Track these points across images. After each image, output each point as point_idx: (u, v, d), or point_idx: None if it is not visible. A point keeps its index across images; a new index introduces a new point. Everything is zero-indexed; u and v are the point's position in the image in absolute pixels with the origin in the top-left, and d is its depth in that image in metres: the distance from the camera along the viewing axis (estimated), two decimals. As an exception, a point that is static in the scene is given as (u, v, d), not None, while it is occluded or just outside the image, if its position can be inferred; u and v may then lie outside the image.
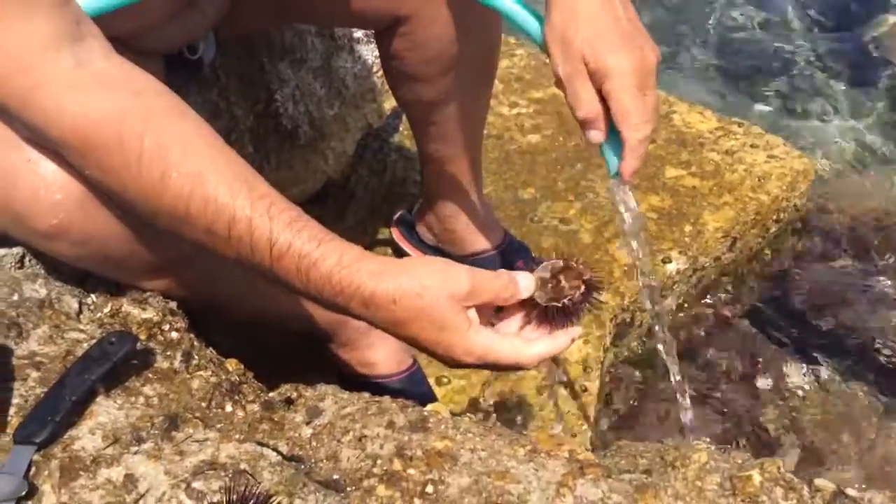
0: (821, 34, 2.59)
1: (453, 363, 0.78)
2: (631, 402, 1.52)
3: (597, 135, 0.88)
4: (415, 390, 1.28)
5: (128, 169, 0.73)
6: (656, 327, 1.11)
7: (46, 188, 0.81)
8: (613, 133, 0.88)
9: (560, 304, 0.80)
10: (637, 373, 1.56)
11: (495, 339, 0.77)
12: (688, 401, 1.21)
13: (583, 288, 0.81)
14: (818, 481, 0.77)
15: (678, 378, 1.18)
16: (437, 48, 1.16)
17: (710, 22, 2.66)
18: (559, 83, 0.89)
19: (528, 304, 0.81)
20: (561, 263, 0.82)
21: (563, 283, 0.81)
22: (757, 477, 0.74)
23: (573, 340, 0.80)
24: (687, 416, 1.22)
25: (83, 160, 0.76)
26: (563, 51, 0.86)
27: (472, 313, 0.76)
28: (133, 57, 0.82)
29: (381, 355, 1.27)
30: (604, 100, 0.87)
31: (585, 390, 1.38)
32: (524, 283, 0.80)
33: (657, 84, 0.87)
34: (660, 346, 1.10)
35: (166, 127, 0.75)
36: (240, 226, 0.73)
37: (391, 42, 1.17)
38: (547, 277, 0.81)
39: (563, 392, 1.38)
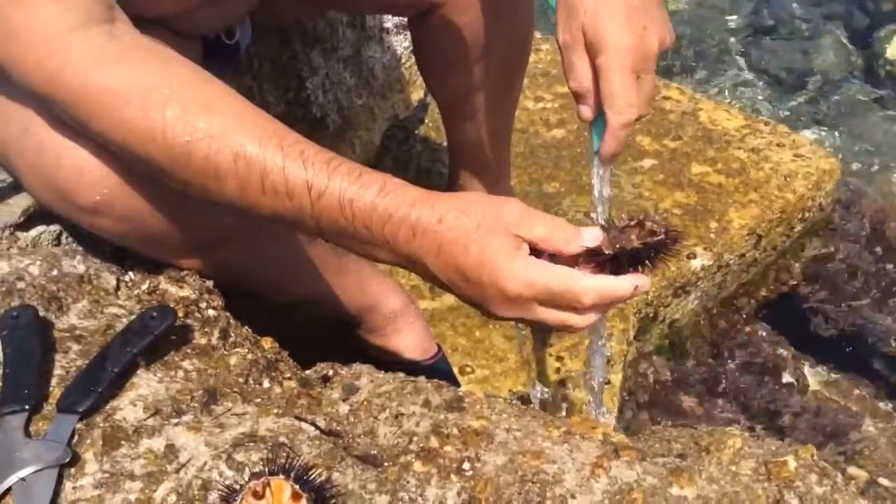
0: (850, 34, 2.58)
1: (498, 298, 0.72)
2: (653, 395, 1.53)
3: (585, 110, 0.85)
4: (439, 378, 1.29)
5: (153, 139, 0.72)
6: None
7: (90, 165, 0.82)
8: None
9: (630, 250, 0.73)
10: (659, 367, 1.57)
11: (547, 265, 0.71)
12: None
13: (657, 237, 0.74)
14: (851, 469, 0.78)
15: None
16: (470, 35, 1.16)
17: (739, 20, 2.65)
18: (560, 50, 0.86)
19: (598, 262, 0.75)
20: (633, 220, 0.76)
21: (634, 236, 0.74)
22: (792, 462, 0.74)
23: (637, 289, 0.73)
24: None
25: (108, 132, 0.75)
26: (567, 17, 0.83)
27: (525, 247, 0.72)
28: (172, 38, 0.83)
29: (408, 342, 1.28)
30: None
31: (608, 383, 1.38)
32: (588, 234, 0.73)
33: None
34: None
35: (191, 93, 0.74)
36: (273, 176, 0.72)
37: (424, 29, 1.17)
38: (617, 233, 0.75)
39: (586, 384, 1.39)
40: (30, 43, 0.73)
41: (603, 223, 0.82)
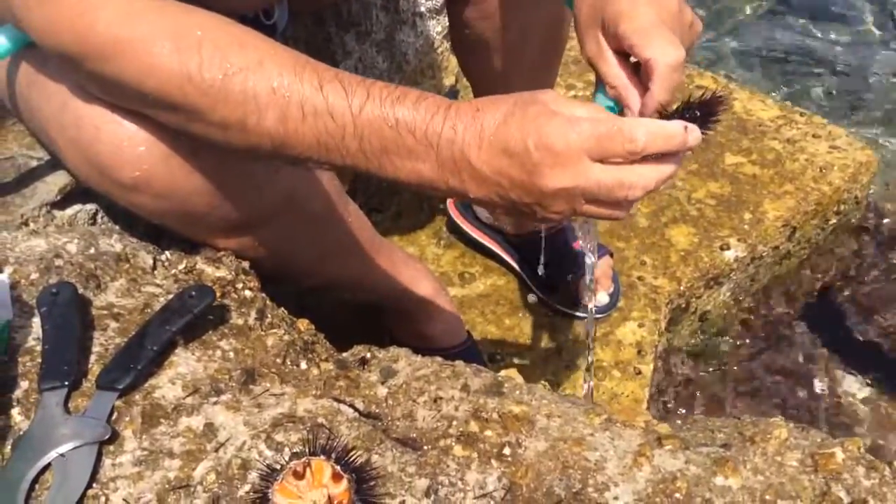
0: (890, 24, 2.53)
1: (548, 162, 0.66)
2: (683, 387, 1.51)
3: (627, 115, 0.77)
4: (470, 365, 1.28)
5: (189, 79, 0.71)
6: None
7: (130, 140, 0.81)
8: None
9: (670, 113, 0.72)
10: (690, 359, 1.55)
11: (589, 116, 0.68)
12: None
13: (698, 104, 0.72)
14: (899, 464, 0.76)
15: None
16: (508, 16, 1.15)
17: (775, 8, 2.61)
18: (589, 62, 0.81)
19: None
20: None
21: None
22: (840, 454, 0.73)
23: (687, 132, 0.68)
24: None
25: (141, 82, 0.73)
26: (585, 28, 0.80)
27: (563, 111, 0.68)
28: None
29: (438, 329, 1.28)
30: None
31: (639, 373, 1.37)
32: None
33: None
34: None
35: (221, 33, 0.73)
36: (313, 99, 0.70)
37: (463, 9, 1.16)
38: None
39: (616, 374, 1.37)
40: (61, 4, 0.73)
41: None
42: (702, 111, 0.72)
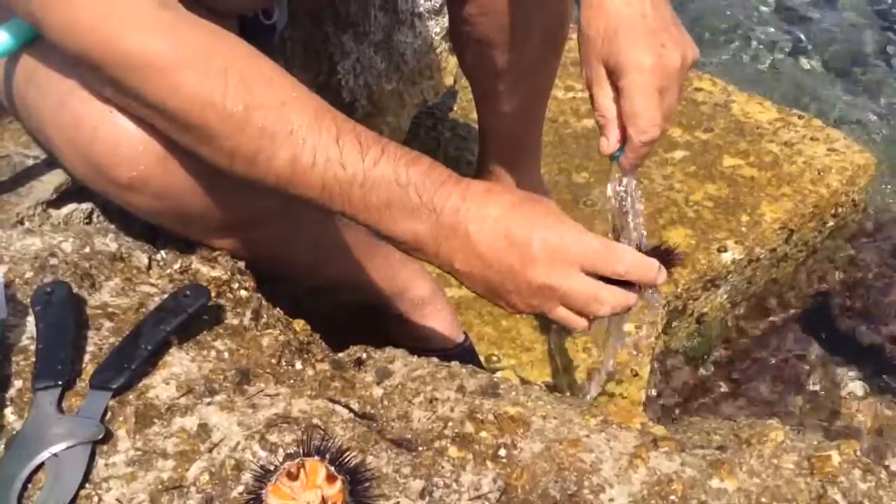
0: (889, 26, 2.54)
1: (544, 254, 0.73)
2: (679, 389, 1.51)
3: (604, 144, 0.85)
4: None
5: (212, 104, 0.72)
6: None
7: (127, 140, 0.81)
8: None
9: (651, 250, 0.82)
10: (686, 361, 1.55)
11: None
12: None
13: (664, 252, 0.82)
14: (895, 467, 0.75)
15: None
16: (510, 13, 1.15)
17: (775, 11, 2.62)
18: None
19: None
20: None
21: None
22: (836, 457, 0.73)
23: (661, 273, 0.77)
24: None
25: (163, 98, 0.74)
26: (587, 52, 0.84)
27: None
28: (209, 16, 0.82)
29: (434, 329, 1.27)
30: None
31: (636, 375, 1.37)
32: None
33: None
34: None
35: (248, 64, 0.75)
36: (328, 149, 0.72)
37: (462, 6, 1.16)
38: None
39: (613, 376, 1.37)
40: (84, 6, 0.73)
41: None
42: (663, 258, 0.81)
